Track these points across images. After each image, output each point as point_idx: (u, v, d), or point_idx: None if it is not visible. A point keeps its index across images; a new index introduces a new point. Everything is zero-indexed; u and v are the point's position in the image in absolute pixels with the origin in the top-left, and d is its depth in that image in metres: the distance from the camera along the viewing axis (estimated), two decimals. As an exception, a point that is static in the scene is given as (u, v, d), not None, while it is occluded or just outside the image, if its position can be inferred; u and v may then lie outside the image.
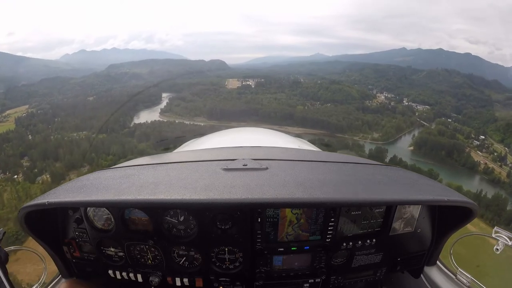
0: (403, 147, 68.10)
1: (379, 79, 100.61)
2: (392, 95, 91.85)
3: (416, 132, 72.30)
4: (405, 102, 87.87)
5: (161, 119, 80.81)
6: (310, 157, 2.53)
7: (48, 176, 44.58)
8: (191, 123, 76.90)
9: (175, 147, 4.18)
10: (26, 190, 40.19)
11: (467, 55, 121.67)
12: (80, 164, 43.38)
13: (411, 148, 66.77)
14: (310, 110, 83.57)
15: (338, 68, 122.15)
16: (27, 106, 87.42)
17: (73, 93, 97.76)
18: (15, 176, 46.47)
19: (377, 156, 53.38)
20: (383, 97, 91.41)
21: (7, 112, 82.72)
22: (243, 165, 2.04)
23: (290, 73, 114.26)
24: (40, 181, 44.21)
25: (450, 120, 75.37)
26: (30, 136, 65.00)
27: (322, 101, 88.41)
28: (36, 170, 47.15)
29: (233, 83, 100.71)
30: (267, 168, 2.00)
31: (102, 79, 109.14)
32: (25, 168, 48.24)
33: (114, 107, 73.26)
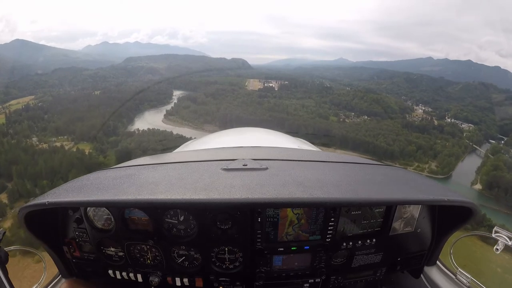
0: (464, 183, 46.02)
1: (412, 90, 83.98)
2: (430, 109, 75.03)
3: (473, 160, 53.10)
4: (447, 118, 70.11)
5: (163, 125, 63.68)
6: (310, 157, 2.43)
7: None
8: (193, 137, 58.22)
9: (175, 147, 3.85)
10: None
11: (497, 68, 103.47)
12: (27, 195, 27.35)
13: (478, 187, 44.56)
14: (349, 126, 65.24)
15: (364, 74, 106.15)
16: (32, 97, 74.09)
17: (83, 85, 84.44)
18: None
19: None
20: (420, 110, 74.68)
21: (10, 102, 69.31)
22: (243, 165, 1.94)
23: (315, 77, 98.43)
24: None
25: (501, 145, 56.45)
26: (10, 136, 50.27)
27: (357, 112, 70.83)
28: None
29: (254, 84, 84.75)
30: (267, 168, 1.92)
31: (116, 72, 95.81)
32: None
33: (116, 105, 57.66)
